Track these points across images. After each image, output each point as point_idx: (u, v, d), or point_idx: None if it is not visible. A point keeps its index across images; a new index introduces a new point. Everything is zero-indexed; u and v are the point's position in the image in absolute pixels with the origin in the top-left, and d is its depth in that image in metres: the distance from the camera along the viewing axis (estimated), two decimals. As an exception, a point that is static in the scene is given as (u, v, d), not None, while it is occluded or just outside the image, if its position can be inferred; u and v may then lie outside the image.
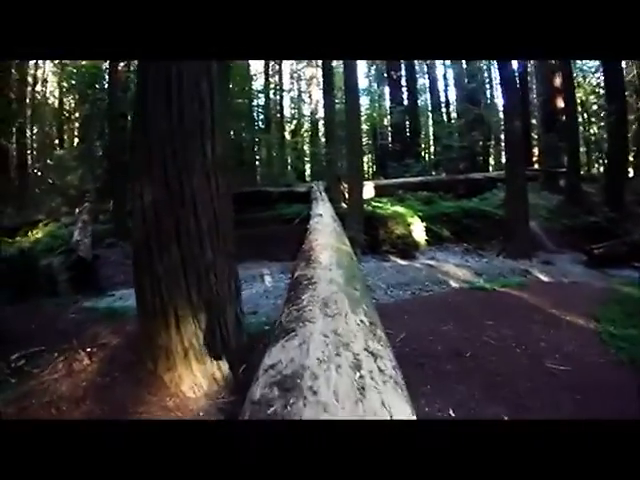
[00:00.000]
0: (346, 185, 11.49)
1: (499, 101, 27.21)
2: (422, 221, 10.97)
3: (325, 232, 4.44)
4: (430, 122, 24.57)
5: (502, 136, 26.06)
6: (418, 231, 10.65)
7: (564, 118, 14.81)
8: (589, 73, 21.58)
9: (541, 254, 10.37)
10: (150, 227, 3.51)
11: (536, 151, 19.66)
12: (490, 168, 21.28)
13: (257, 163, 22.23)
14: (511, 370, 4.15)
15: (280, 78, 25.01)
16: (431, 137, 24.39)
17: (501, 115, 26.54)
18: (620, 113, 12.55)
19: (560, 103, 15.56)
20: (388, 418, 1.17)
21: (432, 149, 23.87)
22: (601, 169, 20.02)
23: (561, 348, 4.67)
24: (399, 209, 11.38)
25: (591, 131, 20.44)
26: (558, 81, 15.61)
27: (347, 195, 11.07)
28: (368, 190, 12.81)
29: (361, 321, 1.96)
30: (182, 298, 3.44)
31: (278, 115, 24.17)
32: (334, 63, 15.03)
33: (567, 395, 3.70)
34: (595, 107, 21.48)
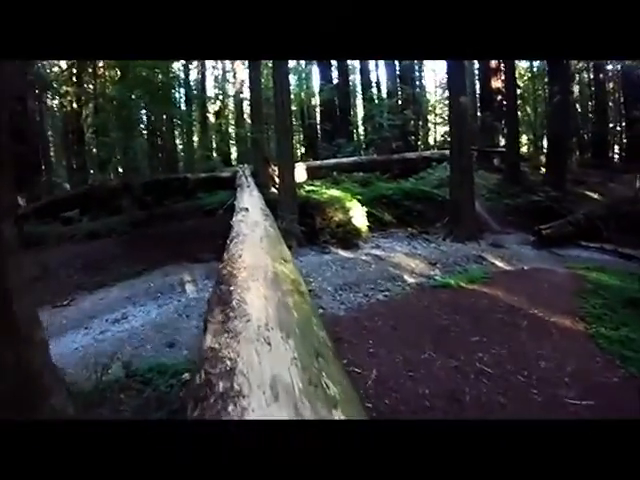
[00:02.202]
0: (275, 168, 9.81)
1: (428, 81, 26.85)
2: (361, 205, 9.42)
3: (254, 239, 2.75)
4: (360, 102, 22.82)
5: (429, 116, 25.93)
6: (358, 217, 9.06)
7: (499, 98, 14.38)
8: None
9: (487, 236, 9.47)
10: None
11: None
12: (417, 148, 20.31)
13: (180, 148, 19.97)
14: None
15: (202, 56, 22.57)
16: (359, 117, 22.89)
17: (428, 96, 26.39)
18: (563, 94, 12.05)
19: (496, 83, 15.14)
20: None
21: (362, 129, 22.21)
22: (524, 149, 20.03)
23: (564, 366, 3.72)
24: (336, 193, 9.73)
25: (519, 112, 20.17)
26: (494, 62, 14.94)
27: (277, 179, 9.35)
28: (299, 173, 11.04)
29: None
30: None
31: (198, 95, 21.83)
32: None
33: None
34: (519, 91, 21.47)
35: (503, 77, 14.01)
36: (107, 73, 16.97)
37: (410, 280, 6.20)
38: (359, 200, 9.54)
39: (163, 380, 3.38)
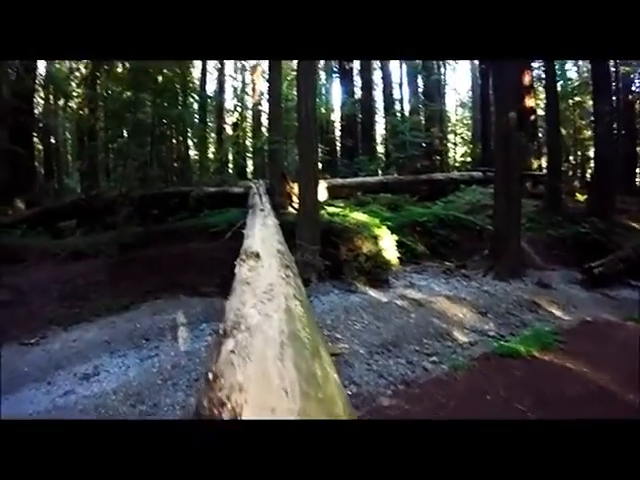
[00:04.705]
0: (294, 185, 8.38)
1: (448, 100, 25.53)
2: (391, 232, 7.87)
3: (267, 348, 1.13)
4: (381, 119, 21.26)
5: (450, 136, 24.57)
6: (389, 247, 7.55)
7: (532, 118, 13.13)
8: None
9: (531, 272, 8.01)
10: None
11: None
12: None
13: (197, 159, 18.68)
14: None
15: (222, 66, 21.33)
16: (379, 134, 21.47)
17: (450, 115, 25.09)
18: (611, 115, 10.62)
19: (530, 102, 13.85)
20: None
21: (384, 147, 20.72)
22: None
23: None
24: (362, 217, 8.25)
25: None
26: (527, 79, 13.68)
27: (296, 199, 7.91)
28: (320, 191, 9.54)
29: None
30: None
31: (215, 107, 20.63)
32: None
33: None
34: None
35: (538, 95, 12.66)
36: (121, 75, 15.91)
37: (463, 339, 4.76)
38: (389, 226, 8.07)
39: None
